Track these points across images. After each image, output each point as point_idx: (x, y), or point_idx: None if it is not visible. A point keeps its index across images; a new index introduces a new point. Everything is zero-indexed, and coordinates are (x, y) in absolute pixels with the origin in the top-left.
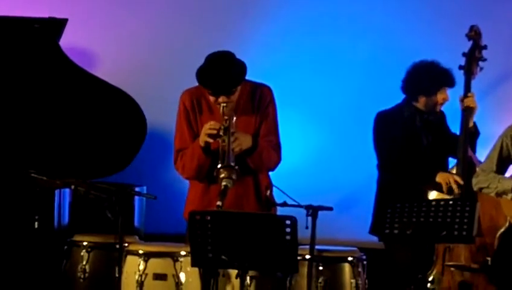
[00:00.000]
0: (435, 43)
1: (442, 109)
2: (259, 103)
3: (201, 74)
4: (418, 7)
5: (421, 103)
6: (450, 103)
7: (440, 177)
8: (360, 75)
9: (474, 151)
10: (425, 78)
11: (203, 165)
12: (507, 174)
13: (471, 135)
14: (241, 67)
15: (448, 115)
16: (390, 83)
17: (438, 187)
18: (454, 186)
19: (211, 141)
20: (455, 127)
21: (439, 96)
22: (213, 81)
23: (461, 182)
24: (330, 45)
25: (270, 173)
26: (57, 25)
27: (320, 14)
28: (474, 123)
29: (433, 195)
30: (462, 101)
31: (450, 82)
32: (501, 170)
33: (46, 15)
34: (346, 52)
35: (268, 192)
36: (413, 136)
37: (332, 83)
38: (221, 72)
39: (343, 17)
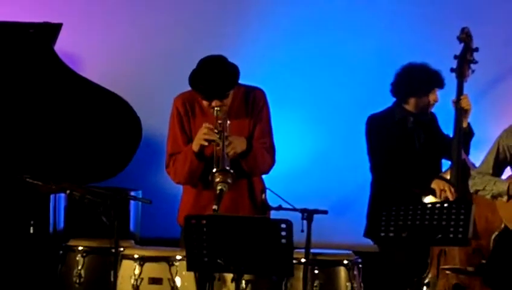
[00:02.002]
0: (426, 45)
1: (433, 110)
2: (253, 106)
3: (194, 78)
4: (409, 10)
5: (411, 104)
6: (441, 104)
7: (435, 184)
8: (355, 79)
9: (467, 152)
10: (417, 80)
11: (196, 170)
12: (503, 177)
13: (465, 135)
14: (234, 70)
15: (440, 117)
16: (384, 86)
17: (434, 193)
18: (449, 195)
19: (206, 144)
20: (447, 129)
21: (430, 98)
22: (206, 85)
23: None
24: (325, 48)
25: (266, 176)
26: (52, 30)
27: (316, 16)
28: (469, 124)
29: (428, 199)
30: (455, 103)
31: (441, 83)
32: (497, 172)
33: (39, 19)
34: (340, 56)
35: (264, 196)
36: (406, 138)
37: (327, 87)
38: (214, 76)
39: (338, 20)
